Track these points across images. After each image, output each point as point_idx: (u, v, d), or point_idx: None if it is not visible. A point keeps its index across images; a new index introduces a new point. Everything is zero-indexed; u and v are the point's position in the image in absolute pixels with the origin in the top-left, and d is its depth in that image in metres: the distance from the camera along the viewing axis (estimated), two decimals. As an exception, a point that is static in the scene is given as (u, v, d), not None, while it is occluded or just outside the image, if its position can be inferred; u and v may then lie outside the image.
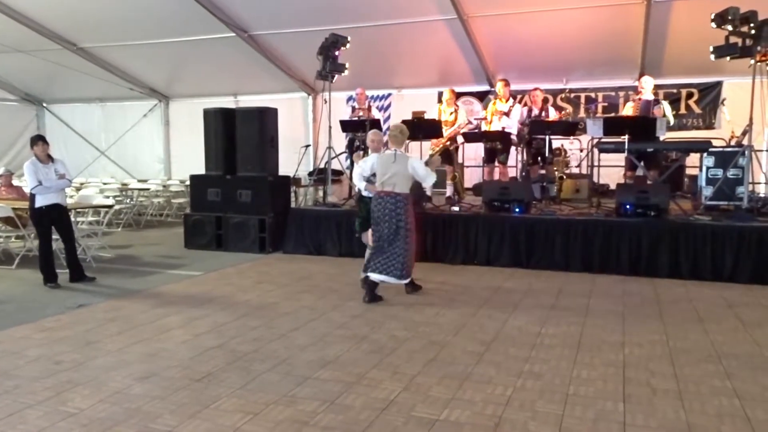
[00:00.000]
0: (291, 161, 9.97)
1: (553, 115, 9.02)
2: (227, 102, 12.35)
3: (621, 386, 3.61)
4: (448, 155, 8.71)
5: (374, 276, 5.59)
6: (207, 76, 12.85)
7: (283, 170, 9.34)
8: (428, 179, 5.62)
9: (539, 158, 8.70)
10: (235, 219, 8.52)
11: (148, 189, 12.15)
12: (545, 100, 9.54)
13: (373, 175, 5.76)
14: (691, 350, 4.29)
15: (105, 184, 12.38)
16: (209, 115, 8.93)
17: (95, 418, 3.19)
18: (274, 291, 6.11)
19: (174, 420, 3.15)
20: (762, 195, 8.19)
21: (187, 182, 10.14)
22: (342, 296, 5.87)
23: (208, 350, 4.25)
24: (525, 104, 9.84)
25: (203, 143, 9.01)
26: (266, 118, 8.68)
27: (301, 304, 5.58)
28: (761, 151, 8.33)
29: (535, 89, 9.06)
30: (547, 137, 8.26)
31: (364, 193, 5.99)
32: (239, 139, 8.71)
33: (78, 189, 10.71)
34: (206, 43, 11.29)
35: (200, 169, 9.10)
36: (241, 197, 8.54)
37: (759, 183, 8.38)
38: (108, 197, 9.81)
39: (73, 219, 7.11)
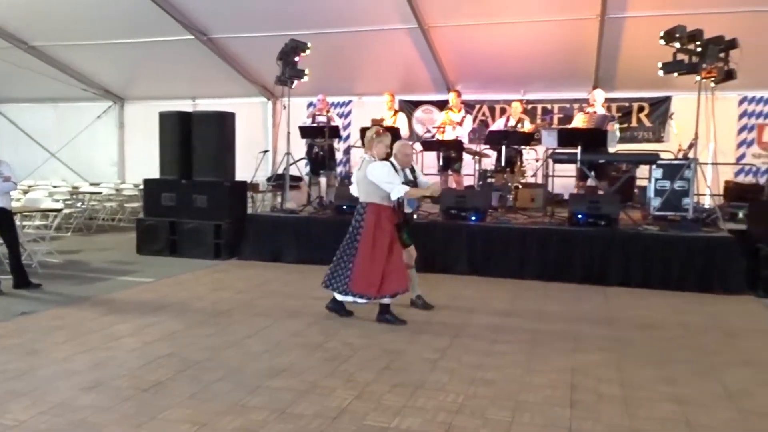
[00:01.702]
0: (249, 166, 9.88)
1: (528, 126, 9.23)
2: (185, 105, 12.12)
3: (569, 392, 3.69)
4: None
5: (335, 294, 5.26)
6: (164, 79, 12.62)
7: (240, 175, 9.23)
8: (393, 189, 4.99)
9: (506, 167, 8.89)
10: (190, 224, 8.37)
11: (100, 193, 11.84)
12: (524, 111, 9.76)
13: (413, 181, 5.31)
14: (638, 356, 4.42)
15: (55, 187, 12.01)
16: (165, 118, 8.77)
17: (35, 430, 3.08)
18: (228, 298, 6.03)
19: (119, 431, 3.07)
20: (706, 206, 8.49)
21: (141, 186, 9.93)
22: (299, 303, 5.83)
23: (158, 358, 4.16)
24: (505, 113, 10.04)
25: (159, 147, 8.84)
26: (224, 122, 8.58)
27: (256, 311, 5.52)
28: (706, 164, 8.64)
29: (515, 101, 9.34)
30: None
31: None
32: (196, 143, 8.58)
33: (25, 192, 10.36)
34: (164, 44, 11.10)
35: (155, 173, 8.92)
36: (196, 202, 8.41)
37: (704, 195, 8.69)
38: (57, 201, 9.51)
39: (19, 223, 6.87)
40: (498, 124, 9.59)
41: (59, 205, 8.80)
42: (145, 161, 11.74)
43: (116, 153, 14.35)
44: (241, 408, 3.38)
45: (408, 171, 5.32)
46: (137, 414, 3.27)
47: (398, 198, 5.08)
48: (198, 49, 11.15)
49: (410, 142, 6.34)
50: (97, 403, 3.41)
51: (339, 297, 5.25)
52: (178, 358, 4.18)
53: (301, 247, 8.04)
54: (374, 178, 5.05)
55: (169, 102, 12.08)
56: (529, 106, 11.45)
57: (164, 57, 11.59)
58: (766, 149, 10.30)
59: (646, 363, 4.26)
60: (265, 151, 10.89)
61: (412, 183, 5.29)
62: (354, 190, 5.41)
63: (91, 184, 12.84)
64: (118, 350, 4.33)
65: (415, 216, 5.67)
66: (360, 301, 5.17)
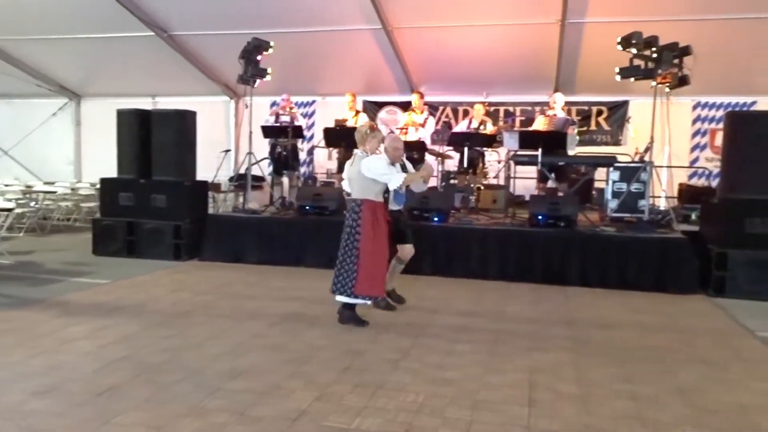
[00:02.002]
0: (211, 166, 9.73)
1: (490, 128, 9.33)
2: (145, 103, 11.87)
3: (528, 391, 3.74)
4: None
5: (338, 297, 5.11)
6: (123, 76, 12.34)
7: (202, 175, 9.09)
8: (391, 180, 4.91)
9: (469, 168, 8.96)
10: (148, 225, 8.20)
11: (55, 192, 11.49)
12: (487, 113, 9.86)
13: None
14: (596, 355, 4.51)
15: (7, 186, 11.60)
16: (123, 116, 8.57)
17: (-18, 436, 2.98)
18: (188, 299, 5.92)
19: (71, 436, 2.99)
20: (661, 208, 8.73)
21: (98, 186, 9.68)
22: (261, 304, 5.77)
23: (114, 362, 4.05)
24: (468, 115, 10.12)
25: (116, 145, 8.62)
26: (184, 120, 8.43)
27: (217, 312, 5.44)
28: (661, 167, 8.89)
29: (477, 103, 9.42)
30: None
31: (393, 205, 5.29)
32: (155, 141, 8.41)
33: (-25, 191, 9.99)
34: (123, 41, 10.86)
35: (113, 173, 8.71)
36: (155, 202, 8.23)
37: (659, 197, 8.93)
38: (10, 200, 9.20)
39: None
40: (461, 126, 9.69)
41: (11, 205, 8.49)
42: (102, 160, 11.41)
43: (72, 151, 13.97)
44: (199, 410, 3.32)
45: (398, 166, 5.18)
46: (91, 419, 3.18)
47: (395, 189, 5.01)
48: (158, 47, 10.94)
49: (400, 136, 6.28)
50: (48, 408, 3.30)
51: (348, 301, 5.05)
52: (135, 361, 4.09)
53: (264, 247, 7.96)
54: (370, 173, 4.92)
55: (129, 99, 11.76)
56: (492, 109, 11.60)
57: (123, 53, 11.33)
58: (718, 153, 10.64)
59: (603, 361, 4.35)
60: (227, 151, 10.75)
61: None
62: (346, 186, 5.28)
63: (46, 183, 12.44)
64: (72, 354, 4.21)
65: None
66: (368, 302, 5.13)
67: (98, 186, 9.56)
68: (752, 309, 6.10)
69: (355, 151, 5.15)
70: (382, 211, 5.04)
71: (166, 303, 5.75)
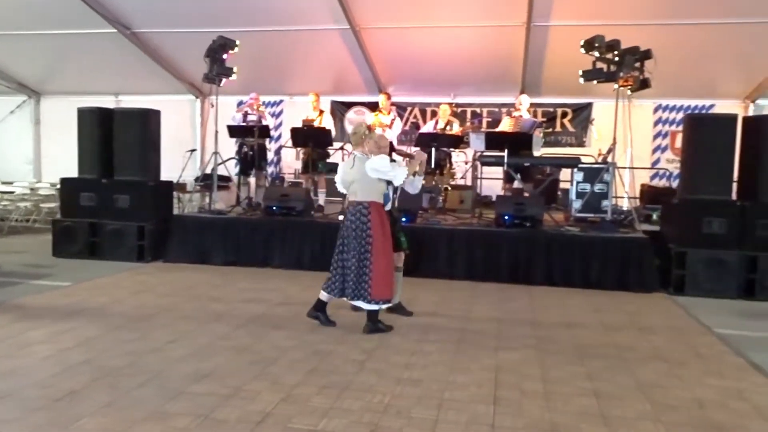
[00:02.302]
0: (176, 166, 9.58)
1: (457, 129, 9.38)
2: (108, 102, 11.61)
3: (493, 390, 3.77)
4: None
5: (356, 303, 4.97)
6: (85, 73, 12.04)
7: (167, 175, 8.94)
8: (397, 176, 4.86)
9: (436, 169, 9.01)
10: (111, 226, 8.02)
11: (13, 192, 11.17)
12: (454, 113, 9.90)
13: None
14: (559, 353, 4.57)
15: (-38, 185, 11.25)
16: (84, 114, 8.37)
17: (-68, 446, 2.87)
18: (152, 301, 5.81)
19: (27, 444, 2.91)
20: (624, 208, 8.91)
21: (59, 185, 9.43)
22: (226, 306, 5.70)
23: (73, 366, 3.95)
24: (435, 115, 10.15)
25: (77, 144, 8.42)
26: (148, 119, 8.27)
27: (181, 314, 5.36)
28: (624, 168, 9.08)
29: (443, 104, 9.45)
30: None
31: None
32: (117, 141, 8.24)
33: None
34: (84, 37, 10.60)
35: (75, 172, 8.50)
36: (118, 203, 8.06)
37: (621, 197, 9.12)
38: (-35, 200, 8.91)
39: None
40: (428, 127, 9.72)
41: (-34, 205, 8.25)
42: (62, 159, 11.15)
43: (31, 150, 13.56)
44: (161, 415, 3.26)
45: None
46: (48, 425, 3.10)
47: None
48: (121, 44, 10.71)
49: (385, 134, 6.22)
50: (3, 414, 3.20)
51: (362, 305, 4.93)
52: (95, 365, 3.99)
53: (230, 248, 7.87)
54: (377, 173, 4.84)
55: (91, 98, 11.48)
56: (459, 110, 11.66)
57: (85, 50, 11.07)
58: (678, 155, 10.91)
59: (567, 360, 4.42)
60: (193, 150, 10.60)
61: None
62: (342, 188, 5.14)
63: (4, 183, 12.09)
64: (29, 358, 4.09)
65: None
66: (383, 307, 4.98)
67: (58, 186, 9.33)
68: (710, 306, 6.28)
69: (353, 153, 5.04)
70: (384, 212, 4.99)
71: (128, 305, 5.64)
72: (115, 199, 8.08)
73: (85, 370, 3.88)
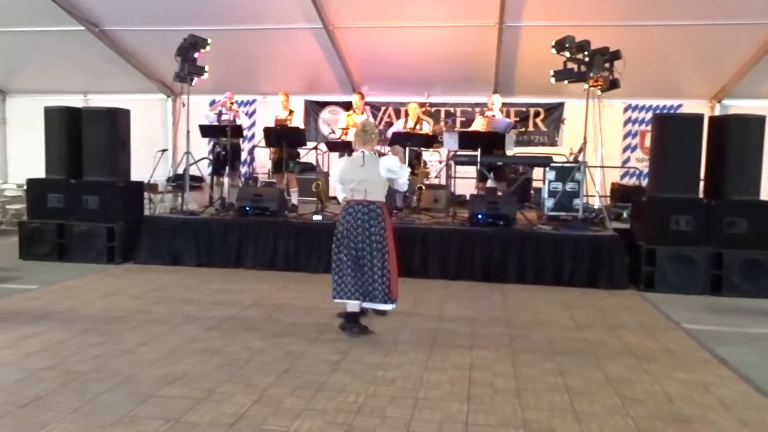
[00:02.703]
0: (148, 166, 9.43)
1: (426, 128, 9.40)
2: (76, 101, 11.38)
3: (467, 388, 3.79)
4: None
5: (354, 304, 4.83)
6: (53, 72, 11.79)
7: (139, 175, 8.80)
8: (404, 176, 4.91)
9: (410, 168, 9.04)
10: (80, 227, 7.86)
11: (-22, 193, 10.89)
12: (427, 113, 9.92)
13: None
14: (531, 350, 4.62)
15: (-75, 187, 10.92)
16: (52, 113, 8.19)
17: None
18: (122, 304, 5.72)
19: (-9, 451, 2.84)
20: (595, 207, 9.04)
21: (25, 186, 9.22)
22: (198, 308, 5.63)
23: (39, 371, 3.87)
24: (407, 114, 10.14)
25: (44, 144, 8.25)
26: (117, 119, 8.12)
27: (152, 317, 5.27)
28: (594, 167, 9.21)
29: (410, 103, 9.44)
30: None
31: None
32: (86, 140, 8.07)
33: None
34: (51, 35, 10.40)
35: (42, 173, 8.31)
36: (87, 204, 7.90)
37: (593, 196, 9.25)
38: (-74, 202, 8.65)
39: None
40: (397, 126, 9.70)
41: (-72, 207, 8.01)
42: (30, 160, 10.90)
43: (-3, 150, 13.26)
44: (131, 419, 3.21)
45: None
46: (12, 432, 3.03)
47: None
48: (90, 42, 10.53)
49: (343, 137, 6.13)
50: (-35, 422, 3.12)
51: (381, 307, 4.87)
52: (62, 370, 3.91)
53: (202, 249, 7.78)
54: (390, 173, 4.80)
55: (59, 96, 11.24)
56: (433, 109, 11.73)
57: (52, 48, 10.85)
58: (647, 154, 11.11)
59: (539, 356, 4.47)
60: (164, 150, 10.46)
61: None
62: (341, 186, 4.88)
63: (-32, 184, 11.79)
64: (-7, 364, 4.00)
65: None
66: (379, 307, 4.90)
67: (25, 187, 9.11)
68: (679, 302, 6.40)
69: (362, 152, 4.82)
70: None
71: (97, 308, 5.53)
72: (84, 200, 7.92)
73: (52, 376, 3.80)
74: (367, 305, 4.91)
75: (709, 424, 3.37)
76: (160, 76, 11.76)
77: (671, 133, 7.14)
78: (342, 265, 4.80)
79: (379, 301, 4.81)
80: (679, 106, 10.97)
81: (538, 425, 3.28)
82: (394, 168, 4.81)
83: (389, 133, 9.61)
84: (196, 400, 3.48)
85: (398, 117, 11.83)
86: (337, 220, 4.90)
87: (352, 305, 4.85)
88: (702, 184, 7.37)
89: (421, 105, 11.37)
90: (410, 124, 9.36)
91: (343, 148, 9.21)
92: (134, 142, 8.56)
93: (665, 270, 6.89)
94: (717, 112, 10.60)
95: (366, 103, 10.16)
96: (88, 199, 7.92)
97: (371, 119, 9.92)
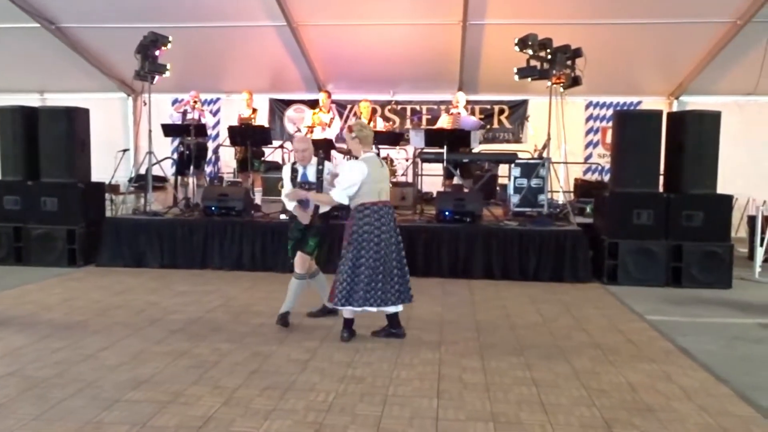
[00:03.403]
0: (109, 167, 9.23)
1: (380, 126, 9.40)
2: (32, 99, 11.06)
3: (436, 383, 3.82)
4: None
5: (391, 309, 4.65)
6: (6, 70, 11.38)
7: (98, 176, 8.61)
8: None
9: None
10: (38, 230, 7.64)
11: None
12: (374, 111, 9.90)
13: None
14: (499, 344, 4.67)
15: None
16: (6, 113, 7.93)
17: None
18: (83, 308, 5.58)
19: (-53, 463, 2.74)
20: (560, 202, 9.19)
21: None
22: (162, 310, 5.53)
23: (-2, 378, 3.75)
24: (355, 114, 10.11)
25: (-1, 145, 8.01)
26: (75, 118, 7.90)
27: (115, 320, 5.16)
28: (558, 163, 9.35)
29: (362, 101, 9.40)
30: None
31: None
32: (43, 141, 7.84)
33: None
34: (5, 32, 10.13)
35: (-3, 174, 8.07)
36: (45, 205, 7.68)
37: (557, 191, 9.40)
38: None
39: None
40: (339, 124, 9.71)
41: None
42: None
43: (-51, 152, 12.78)
44: (95, 425, 3.13)
45: (309, 170, 4.95)
46: (-30, 442, 2.93)
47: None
48: (45, 39, 10.25)
49: (307, 136, 5.96)
50: None
51: (399, 308, 4.73)
52: (22, 376, 3.80)
53: (166, 251, 7.65)
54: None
55: (13, 96, 10.89)
56: (399, 107, 11.76)
57: (6, 46, 10.51)
58: (609, 150, 11.34)
59: (506, 350, 4.52)
60: (125, 150, 10.25)
61: (310, 185, 4.90)
62: (371, 193, 4.55)
63: None
64: (-52, 372, 3.86)
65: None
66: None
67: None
68: (641, 294, 6.55)
69: (368, 154, 4.62)
70: None
71: (58, 313, 5.39)
72: (42, 202, 7.70)
73: (12, 382, 3.69)
74: (399, 308, 4.73)
75: (672, 411, 3.46)
76: (119, 74, 11.50)
77: (631, 129, 7.30)
78: (386, 269, 4.53)
79: (408, 299, 4.76)
80: (639, 102, 11.23)
81: (507, 418, 3.32)
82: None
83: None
84: (163, 403, 3.42)
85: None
86: (362, 224, 4.52)
87: (392, 308, 4.67)
88: (662, 178, 7.56)
89: (387, 103, 11.43)
90: (363, 122, 9.33)
91: (309, 146, 9.16)
92: (94, 143, 8.36)
93: (627, 263, 7.04)
94: (675, 109, 10.87)
95: (332, 101, 10.11)
96: (46, 200, 7.70)
97: (338, 118, 9.86)
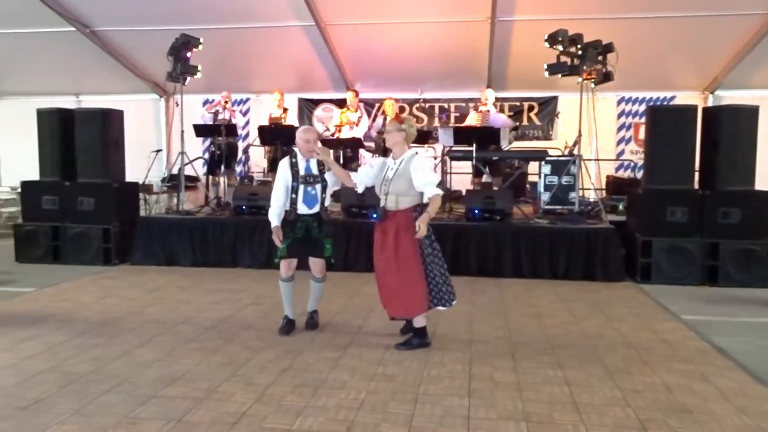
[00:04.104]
0: (142, 167, 9.38)
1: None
2: (68, 102, 11.34)
3: (467, 382, 3.80)
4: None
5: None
6: (44, 74, 11.70)
7: (132, 176, 8.76)
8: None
9: None
10: (74, 229, 7.83)
11: (-28, 197, 10.83)
12: (401, 109, 9.88)
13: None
14: (530, 343, 4.63)
15: None
16: (43, 115, 8.16)
17: None
18: (118, 306, 5.70)
19: (-9, 455, 2.83)
20: (591, 200, 9.06)
21: (20, 189, 9.17)
22: (194, 308, 5.62)
23: (38, 374, 3.85)
24: (382, 113, 10.11)
25: (38, 146, 8.21)
26: (109, 120, 8.09)
27: (148, 318, 5.26)
28: (589, 160, 9.22)
29: (386, 99, 9.39)
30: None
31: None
32: (79, 142, 8.03)
33: None
34: (41, 36, 10.33)
35: (36, 175, 8.27)
36: (82, 205, 7.87)
37: (588, 189, 9.26)
38: None
39: None
40: (377, 125, 9.68)
41: None
42: (23, 162, 10.83)
43: (-11, 153, 13.19)
44: (131, 420, 3.20)
45: (312, 163, 4.69)
46: (13, 435, 3.02)
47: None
48: (80, 43, 10.47)
49: (312, 127, 5.51)
50: (-35, 426, 3.11)
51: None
52: (60, 372, 3.90)
53: (198, 249, 7.76)
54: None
55: (50, 98, 11.19)
56: (427, 105, 11.72)
57: (42, 50, 10.77)
58: (641, 146, 11.14)
59: (537, 350, 4.48)
60: (158, 151, 10.41)
61: (314, 178, 4.67)
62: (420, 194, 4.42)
63: (-39, 188, 11.72)
64: (-9, 367, 3.98)
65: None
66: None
67: (19, 189, 9.08)
68: (675, 293, 6.42)
69: (415, 151, 4.49)
70: None
71: (93, 310, 5.51)
72: (78, 202, 7.89)
73: (50, 378, 3.79)
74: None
75: (709, 413, 3.38)
76: (152, 76, 11.71)
77: (665, 124, 7.15)
78: (441, 272, 4.50)
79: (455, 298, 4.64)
80: (673, 97, 11.00)
81: (539, 417, 3.29)
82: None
83: (373, 132, 9.57)
84: (197, 399, 3.48)
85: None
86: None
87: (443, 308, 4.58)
88: (696, 175, 7.40)
89: (416, 101, 11.39)
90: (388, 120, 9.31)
91: (336, 145, 9.20)
92: (128, 143, 8.53)
93: (661, 261, 6.91)
94: (710, 103, 10.62)
95: (360, 100, 10.13)
96: (82, 200, 7.88)
97: (365, 117, 9.88)
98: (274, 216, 4.70)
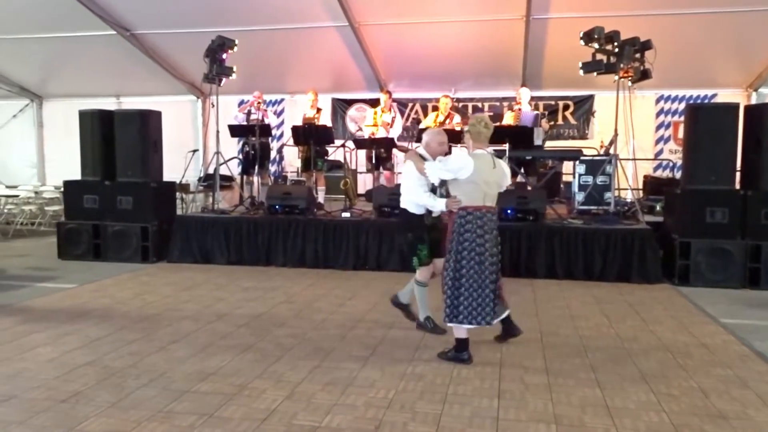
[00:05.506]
0: (179, 166, 9.57)
1: (457, 120, 9.33)
2: (109, 103, 11.68)
3: (497, 383, 3.78)
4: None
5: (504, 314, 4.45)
6: (86, 76, 12.08)
7: (170, 176, 8.95)
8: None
9: None
10: (114, 227, 8.05)
11: (17, 196, 11.21)
12: (454, 108, 9.84)
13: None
14: (562, 345, 4.57)
15: (-33, 190, 11.29)
16: (85, 116, 8.41)
17: (-61, 448, 2.89)
18: (155, 302, 5.83)
19: (33, 445, 2.93)
20: (628, 200, 8.88)
21: (62, 188, 9.47)
22: (228, 305, 5.71)
23: (78, 368, 3.98)
24: (436, 109, 10.09)
25: (79, 147, 8.46)
26: (148, 120, 8.28)
27: (184, 314, 5.37)
28: (626, 159, 9.04)
29: (442, 96, 9.37)
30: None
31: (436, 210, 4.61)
32: (119, 142, 8.26)
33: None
34: (84, 40, 10.63)
35: (78, 175, 8.53)
36: (121, 204, 8.08)
37: (624, 189, 9.09)
38: (-31, 205, 8.95)
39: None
40: (428, 121, 9.65)
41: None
42: (66, 162, 11.19)
43: (35, 154, 13.63)
44: (166, 414, 3.28)
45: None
46: (53, 426, 3.12)
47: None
48: (121, 46, 10.74)
49: (442, 130, 5.27)
50: (7, 417, 3.23)
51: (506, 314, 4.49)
52: (99, 366, 4.01)
53: (233, 248, 7.89)
54: (509, 180, 4.49)
55: (92, 100, 11.57)
56: (460, 105, 11.65)
57: (85, 53, 11.11)
58: (681, 145, 10.88)
59: (570, 352, 4.42)
60: (195, 151, 10.61)
61: (443, 181, 4.37)
62: (477, 192, 4.14)
63: (8, 187, 12.12)
64: (34, 361, 4.12)
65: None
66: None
67: (62, 189, 9.37)
68: (715, 296, 6.26)
69: (479, 151, 4.18)
70: None
71: (132, 306, 5.66)
72: (118, 201, 8.11)
73: (89, 372, 3.91)
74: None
75: (747, 419, 3.29)
76: (189, 77, 11.95)
77: (705, 123, 6.97)
78: (489, 281, 4.14)
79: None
80: (714, 95, 10.71)
81: (570, 420, 3.25)
82: (508, 179, 4.39)
83: (417, 130, 9.56)
84: (229, 395, 3.54)
85: (425, 113, 11.79)
86: (462, 231, 4.12)
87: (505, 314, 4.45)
88: (738, 175, 7.18)
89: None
90: (440, 118, 9.27)
91: (370, 145, 9.23)
92: (165, 143, 8.72)
93: (700, 263, 6.74)
94: (753, 101, 10.30)
95: (393, 100, 10.14)
96: (122, 199, 8.09)
97: (399, 117, 9.85)
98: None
